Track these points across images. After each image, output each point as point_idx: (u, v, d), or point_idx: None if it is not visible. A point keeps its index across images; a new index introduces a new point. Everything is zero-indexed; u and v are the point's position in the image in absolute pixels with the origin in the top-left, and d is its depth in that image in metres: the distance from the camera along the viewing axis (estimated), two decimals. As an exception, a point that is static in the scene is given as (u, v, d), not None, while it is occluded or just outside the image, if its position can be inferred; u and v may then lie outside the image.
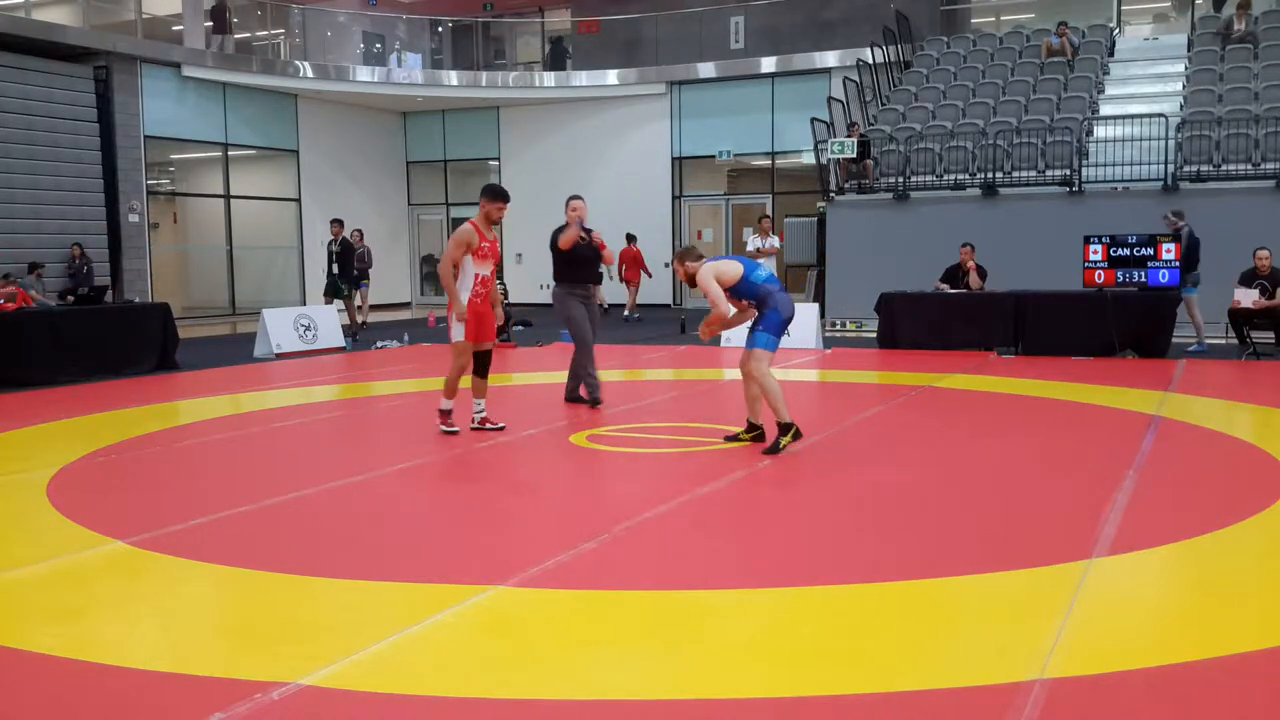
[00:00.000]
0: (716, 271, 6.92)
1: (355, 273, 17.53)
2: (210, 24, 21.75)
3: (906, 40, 21.01)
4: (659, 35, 23.54)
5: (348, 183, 24.04)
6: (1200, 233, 13.99)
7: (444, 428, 7.69)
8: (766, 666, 3.49)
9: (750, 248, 16.58)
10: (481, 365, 7.77)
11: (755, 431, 7.27)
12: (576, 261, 8.90)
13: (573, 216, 8.87)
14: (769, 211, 21.72)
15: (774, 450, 6.87)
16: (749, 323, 7.17)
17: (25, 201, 17.65)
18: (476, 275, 7.46)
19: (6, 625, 3.92)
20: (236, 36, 22.57)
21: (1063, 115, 17.09)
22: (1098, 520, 5.14)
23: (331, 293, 17.04)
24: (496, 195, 7.53)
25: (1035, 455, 6.95)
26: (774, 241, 16.29)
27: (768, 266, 16.25)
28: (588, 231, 8.88)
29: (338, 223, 17.21)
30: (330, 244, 17.20)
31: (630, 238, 20.76)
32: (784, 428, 6.91)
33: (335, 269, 16.86)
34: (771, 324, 6.92)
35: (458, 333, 7.49)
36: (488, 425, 7.83)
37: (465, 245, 7.41)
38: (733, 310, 7.14)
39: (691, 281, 7.07)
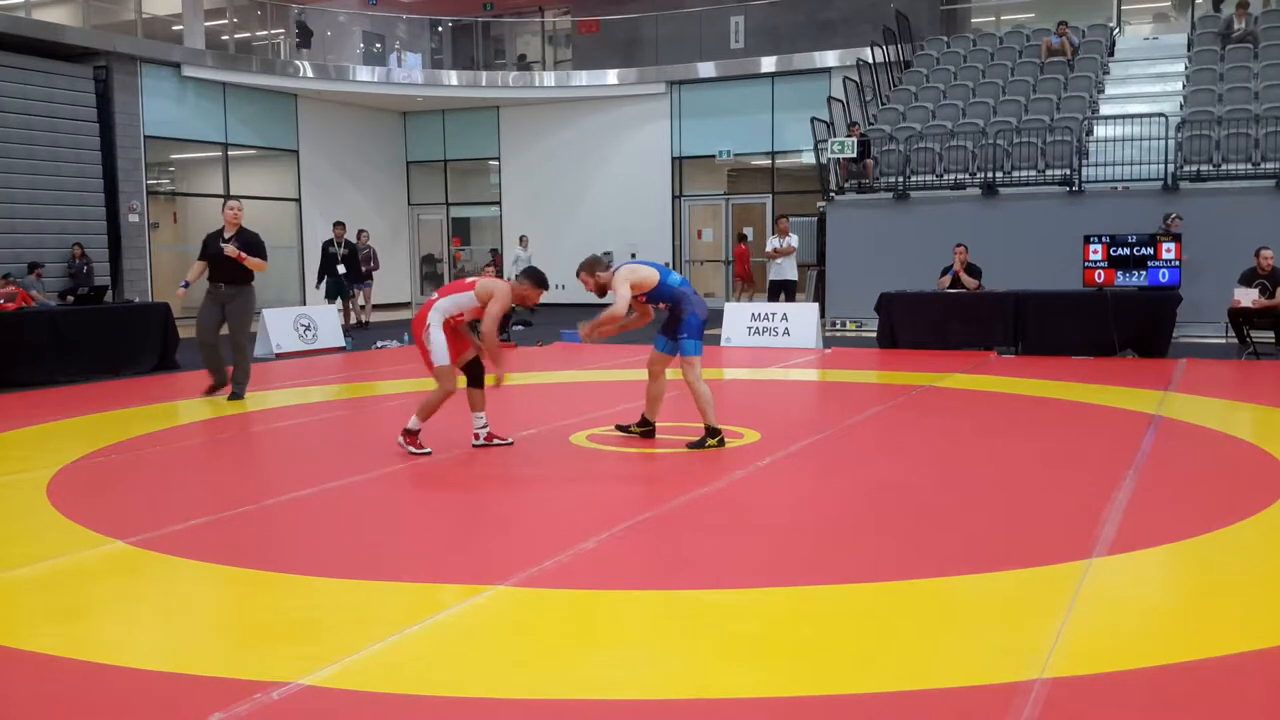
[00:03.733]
0: (635, 277, 6.95)
1: (362, 272, 17.84)
2: (298, 38, 22.74)
3: (906, 40, 21.01)
4: (659, 35, 23.54)
5: (348, 183, 24.04)
6: (1200, 232, 14.03)
7: (412, 449, 6.96)
8: (766, 666, 3.49)
9: (769, 247, 16.69)
10: (475, 375, 7.14)
11: (647, 427, 7.46)
12: (211, 263, 9.68)
13: (227, 215, 9.72)
14: (768, 211, 21.82)
15: (698, 446, 7.01)
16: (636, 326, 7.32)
17: (25, 201, 17.63)
18: (462, 314, 6.95)
19: (6, 625, 3.92)
20: (237, 36, 22.61)
21: (1063, 115, 17.09)
22: (1098, 520, 5.14)
23: (334, 294, 17.20)
24: (541, 284, 7.11)
25: (1035, 455, 6.95)
26: (791, 241, 16.35)
27: (789, 264, 16.36)
28: (228, 239, 9.68)
29: (341, 225, 17.40)
30: (330, 245, 17.34)
31: (741, 237, 21.80)
32: (711, 431, 7.06)
33: (342, 270, 17.11)
34: (693, 328, 7.02)
35: (442, 355, 6.84)
36: (495, 440, 7.23)
37: (503, 304, 6.89)
38: (631, 314, 7.18)
39: (601, 291, 7.02)
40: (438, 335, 6.84)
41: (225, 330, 9.77)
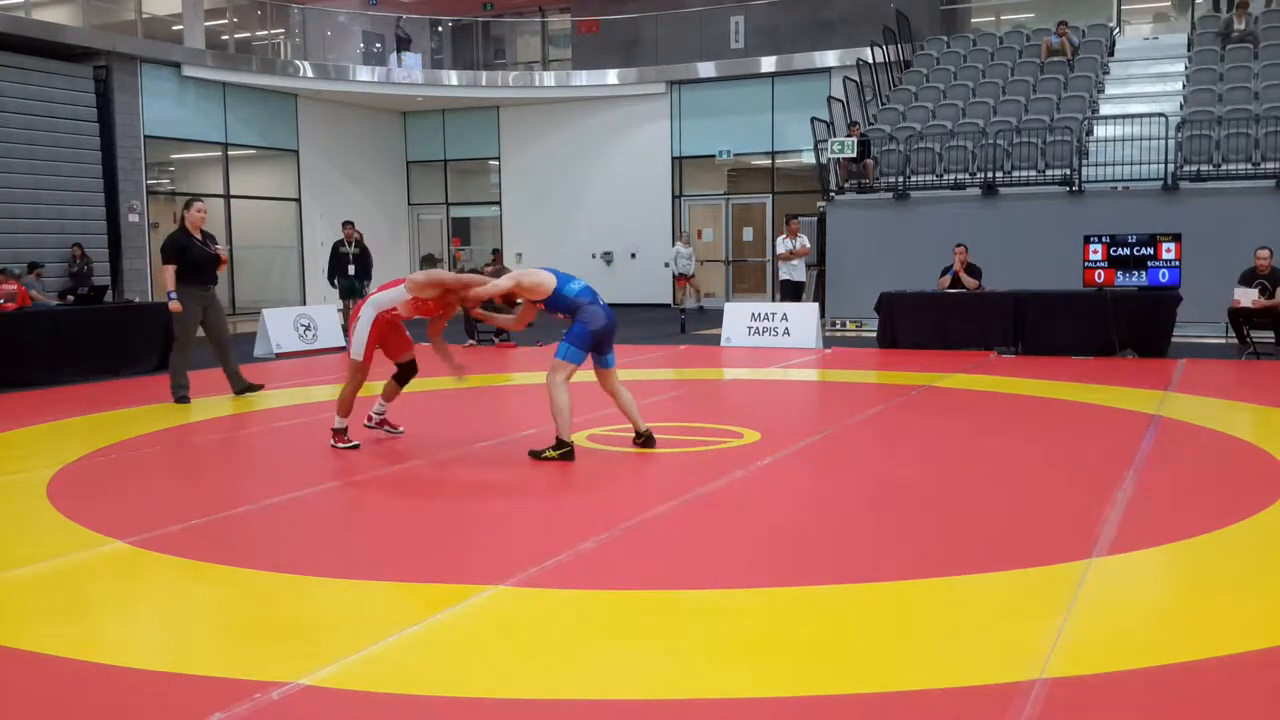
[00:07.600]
0: (532, 279, 6.79)
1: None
2: (396, 49, 23.35)
3: (906, 40, 21.01)
4: (659, 35, 23.54)
5: (348, 183, 24.04)
6: (1200, 233, 14.01)
7: (341, 445, 7.22)
8: (766, 666, 3.49)
9: (780, 249, 16.56)
10: (404, 376, 7.59)
11: (643, 437, 7.12)
12: (195, 265, 9.49)
13: (197, 218, 9.51)
14: (768, 211, 21.83)
15: (537, 455, 6.77)
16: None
17: (25, 201, 17.64)
18: (395, 309, 7.13)
19: (6, 625, 3.92)
20: (237, 36, 22.61)
21: (1063, 115, 17.09)
22: (1098, 520, 5.14)
23: (348, 295, 17.28)
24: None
25: (1035, 455, 6.95)
26: (803, 241, 16.30)
27: (800, 266, 16.28)
28: (208, 240, 9.57)
29: (350, 224, 17.47)
30: (341, 245, 17.41)
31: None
32: (559, 444, 6.75)
33: (353, 270, 17.20)
34: (575, 335, 6.73)
35: (359, 349, 7.10)
36: (386, 426, 7.68)
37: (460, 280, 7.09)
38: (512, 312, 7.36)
39: (507, 299, 7.02)
40: (362, 330, 7.07)
41: (200, 333, 9.65)
